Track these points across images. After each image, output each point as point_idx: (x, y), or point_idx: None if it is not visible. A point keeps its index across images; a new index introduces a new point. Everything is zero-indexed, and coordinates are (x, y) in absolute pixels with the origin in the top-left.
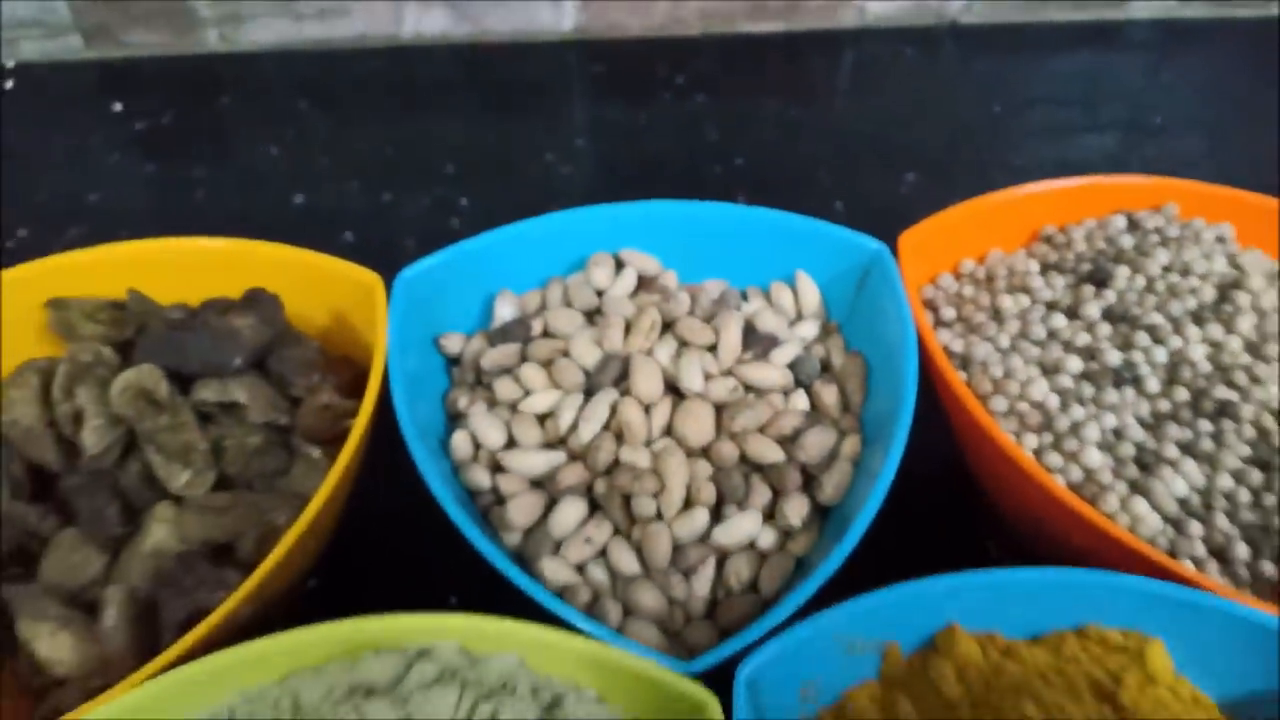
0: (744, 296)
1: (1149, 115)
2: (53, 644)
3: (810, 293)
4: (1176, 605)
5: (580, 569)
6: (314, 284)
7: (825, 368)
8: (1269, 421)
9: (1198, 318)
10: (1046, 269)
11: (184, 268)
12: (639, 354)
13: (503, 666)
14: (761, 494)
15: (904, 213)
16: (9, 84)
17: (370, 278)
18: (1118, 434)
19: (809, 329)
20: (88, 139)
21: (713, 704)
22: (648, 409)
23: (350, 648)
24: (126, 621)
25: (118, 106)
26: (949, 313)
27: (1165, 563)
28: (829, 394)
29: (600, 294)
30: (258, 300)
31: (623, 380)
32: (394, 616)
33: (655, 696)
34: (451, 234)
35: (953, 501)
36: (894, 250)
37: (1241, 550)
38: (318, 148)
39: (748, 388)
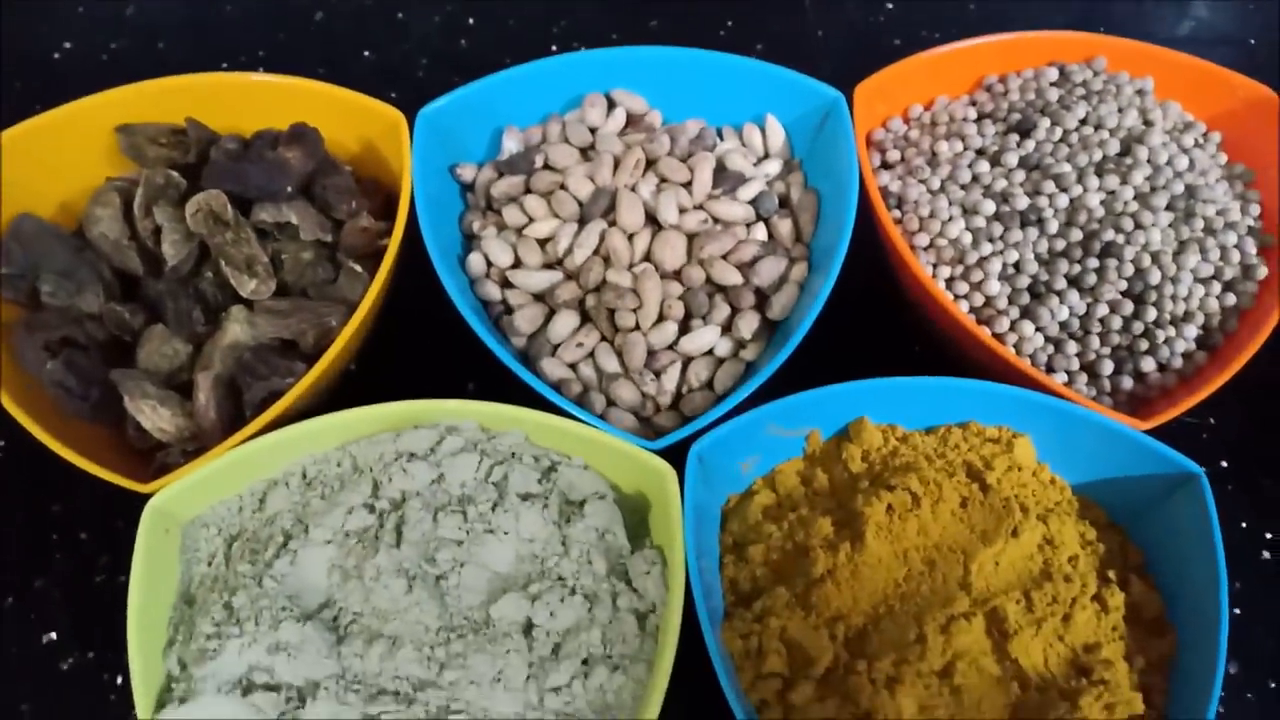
0: (719, 134)
1: None
2: (155, 416)
3: (776, 134)
4: (1044, 410)
5: (573, 367)
6: (347, 117)
7: (784, 202)
8: (1146, 262)
9: (1100, 169)
10: (982, 117)
11: (234, 99)
12: (624, 189)
13: (512, 440)
14: (721, 311)
15: (878, 40)
16: None
17: (395, 114)
18: (1017, 267)
19: (773, 166)
20: None
21: (670, 473)
22: (631, 237)
23: (395, 424)
24: (215, 402)
25: None
26: (894, 155)
27: (1040, 378)
28: (784, 227)
29: (594, 131)
30: (302, 134)
31: (610, 212)
32: (431, 401)
33: (628, 467)
34: (460, 54)
35: (888, 316)
36: (850, 98)
37: (1107, 367)
38: None
39: (715, 220)
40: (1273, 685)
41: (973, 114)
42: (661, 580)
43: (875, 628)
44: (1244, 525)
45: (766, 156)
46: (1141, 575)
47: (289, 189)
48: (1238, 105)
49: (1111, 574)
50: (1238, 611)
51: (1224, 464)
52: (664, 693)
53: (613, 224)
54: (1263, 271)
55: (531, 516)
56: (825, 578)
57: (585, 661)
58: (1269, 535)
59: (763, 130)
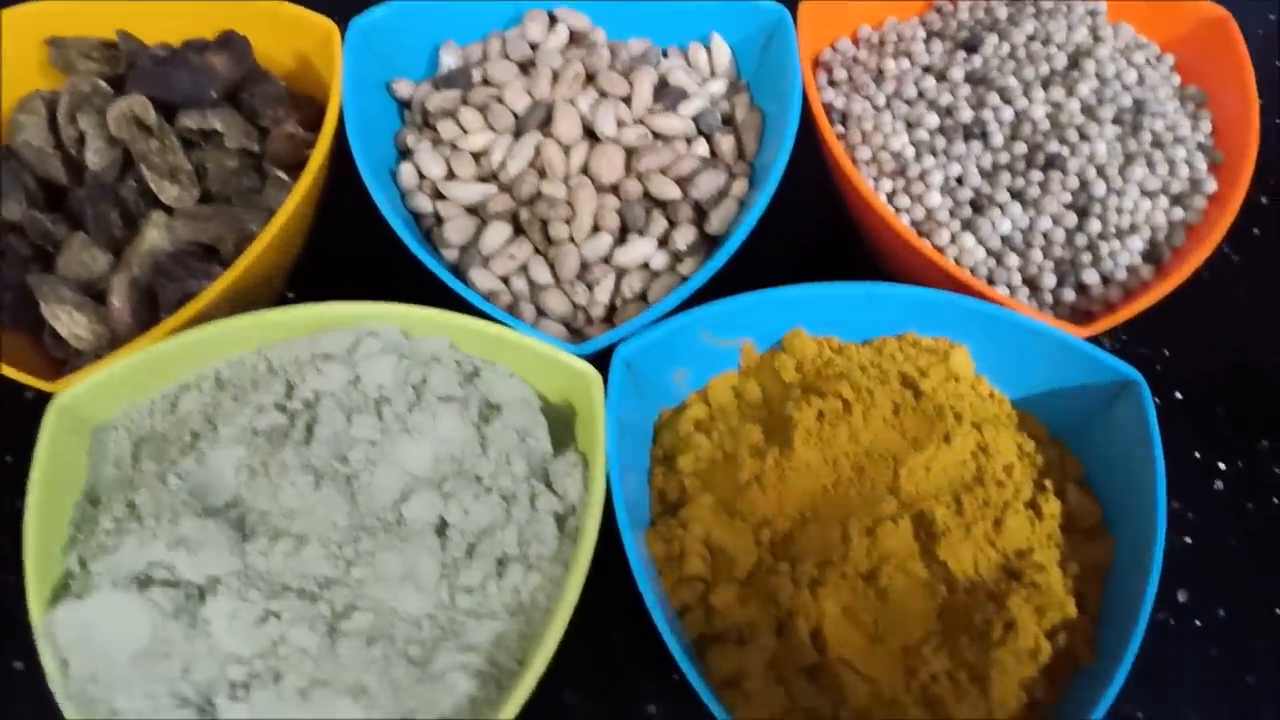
0: (665, 54)
1: None
2: (71, 322)
3: (722, 53)
4: (983, 318)
5: (505, 280)
6: (279, 29)
7: (728, 121)
8: (1091, 174)
9: (1046, 82)
10: (931, 36)
11: (166, 13)
12: (562, 101)
13: (434, 346)
14: (659, 225)
15: None
16: None
17: (327, 25)
18: (959, 181)
19: (718, 85)
20: None
21: (595, 377)
22: (567, 150)
23: (314, 327)
24: (129, 303)
25: None
26: (840, 74)
27: (980, 287)
28: (726, 143)
29: (534, 47)
30: (230, 41)
31: (547, 125)
32: (347, 303)
33: (554, 373)
34: None
35: (833, 234)
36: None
37: (1049, 280)
38: None
39: (656, 135)
40: (1222, 614)
41: (922, 33)
42: (582, 482)
43: (801, 531)
44: (1197, 455)
45: (712, 76)
46: (1080, 486)
47: (214, 95)
48: (1191, 28)
49: (1048, 483)
50: (1189, 540)
51: (1178, 395)
52: (579, 592)
53: (548, 136)
54: (1211, 186)
55: (450, 418)
56: (752, 483)
57: (500, 561)
58: (1222, 465)
59: (708, 50)
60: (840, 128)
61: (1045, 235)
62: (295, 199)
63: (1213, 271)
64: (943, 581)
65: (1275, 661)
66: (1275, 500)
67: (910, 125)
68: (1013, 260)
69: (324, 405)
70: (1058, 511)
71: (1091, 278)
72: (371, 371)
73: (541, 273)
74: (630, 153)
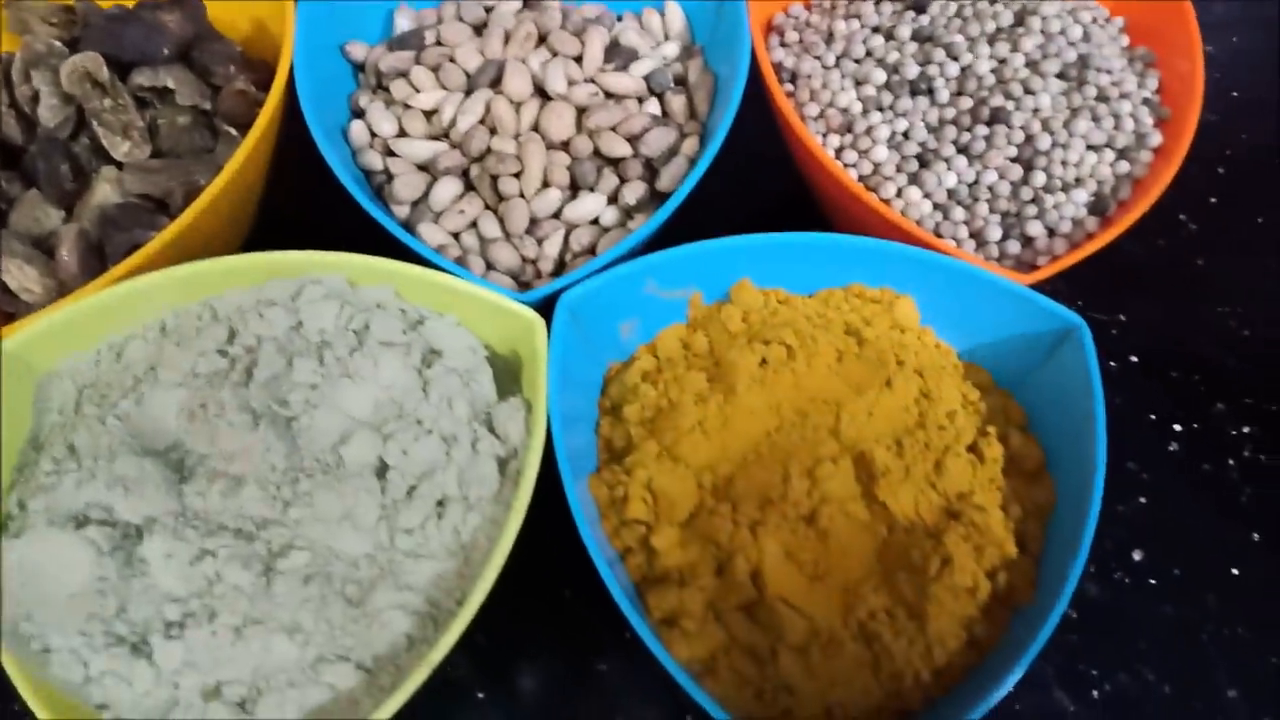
0: (619, 19)
1: None
2: (21, 275)
3: (675, 16)
4: (928, 267)
5: (455, 236)
6: None
7: (681, 82)
8: (1036, 128)
9: (991, 39)
10: None
11: None
12: (513, 60)
13: (379, 294)
14: (609, 181)
15: None
16: None
17: None
18: (906, 135)
19: (671, 49)
20: None
21: (539, 323)
22: (518, 107)
23: (261, 275)
24: (78, 255)
25: None
26: (792, 36)
27: (926, 238)
28: (678, 102)
29: (489, 11)
30: (183, 1)
31: (499, 83)
32: (292, 252)
33: (500, 323)
34: None
35: (782, 192)
36: None
37: (994, 232)
38: None
39: (607, 94)
40: (1177, 572)
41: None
42: (524, 426)
43: (742, 474)
44: (1152, 417)
45: (666, 40)
46: (1023, 431)
47: (166, 52)
48: None
49: (991, 429)
50: (1144, 501)
51: (1133, 359)
52: (517, 530)
53: (499, 93)
54: (1157, 139)
55: (391, 362)
56: (694, 428)
57: (440, 503)
58: (1177, 427)
59: (662, 15)
60: (790, 86)
61: (990, 189)
62: (244, 152)
63: (1169, 239)
64: (883, 523)
65: (1229, 619)
66: (1231, 462)
67: (858, 83)
68: (958, 214)
69: (265, 349)
70: (999, 455)
71: (1036, 229)
72: (314, 317)
73: (491, 228)
74: (581, 111)
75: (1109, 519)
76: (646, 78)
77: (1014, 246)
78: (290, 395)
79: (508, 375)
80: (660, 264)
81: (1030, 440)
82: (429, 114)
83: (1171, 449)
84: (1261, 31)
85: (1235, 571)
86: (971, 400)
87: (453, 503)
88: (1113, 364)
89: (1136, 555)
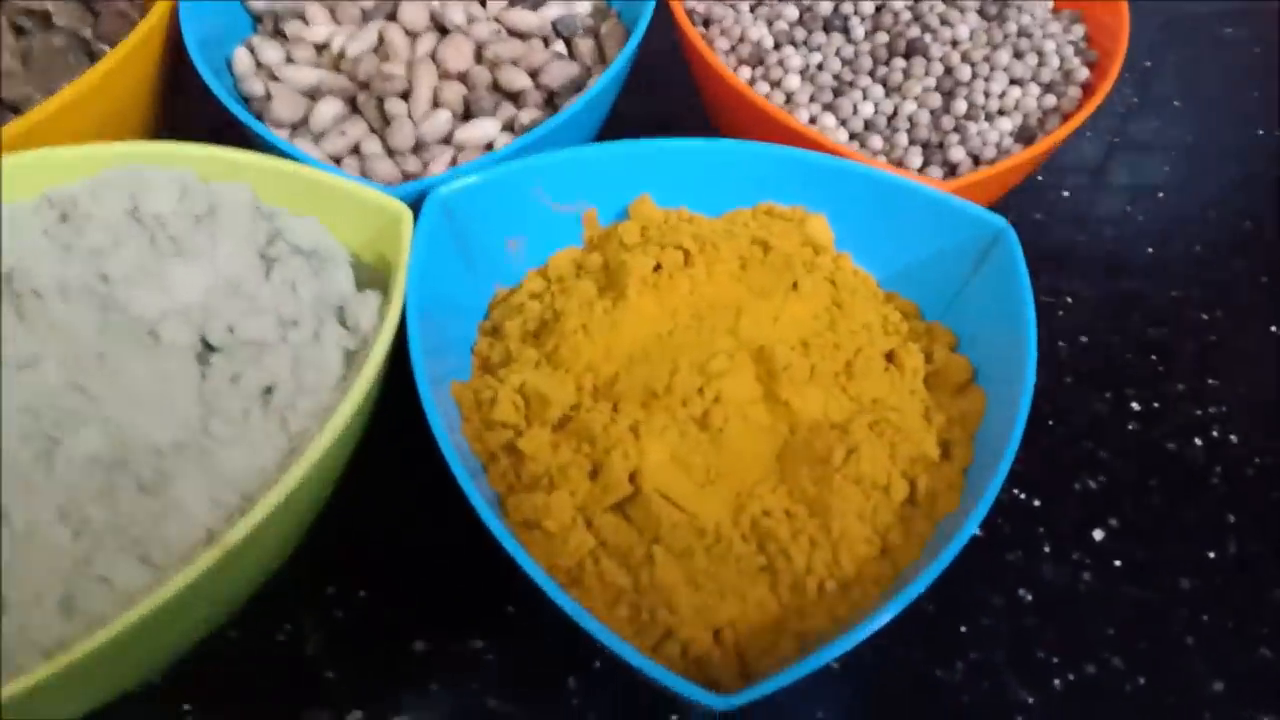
0: None
1: None
2: None
3: None
4: (842, 178)
5: (336, 161)
6: None
7: (593, 34)
8: (955, 59)
9: None
10: None
11: None
12: None
13: (233, 193)
14: (506, 110)
15: None
16: None
17: None
18: (820, 68)
19: (583, 6)
20: None
21: (405, 213)
22: (413, 38)
23: (92, 168)
24: None
25: None
26: None
27: (841, 149)
28: (585, 45)
29: None
30: None
31: (395, 17)
32: (137, 143)
33: (363, 220)
34: None
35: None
36: None
37: (915, 159)
38: None
39: (510, 32)
40: (1143, 555)
41: None
42: (377, 315)
43: (627, 373)
44: (1107, 395)
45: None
46: (950, 350)
47: None
48: None
49: (912, 345)
50: (1103, 479)
51: (1083, 339)
52: (349, 416)
53: (394, 23)
54: (1084, 74)
55: (231, 243)
56: (577, 330)
57: (269, 390)
58: (1135, 406)
59: None
60: (701, 28)
61: (910, 118)
62: (108, 61)
63: (1116, 227)
64: (785, 424)
65: (1206, 605)
66: (1198, 441)
67: (770, 22)
68: (876, 142)
69: (90, 226)
70: (920, 366)
71: (959, 155)
72: (151, 200)
73: (373, 147)
74: (481, 47)
75: (1064, 498)
76: (554, 23)
77: (936, 173)
78: (111, 269)
79: (375, 285)
80: (549, 167)
81: (957, 356)
82: (320, 48)
83: (1131, 428)
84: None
85: (1211, 555)
86: (892, 321)
87: (282, 389)
88: (1061, 343)
89: (1097, 535)
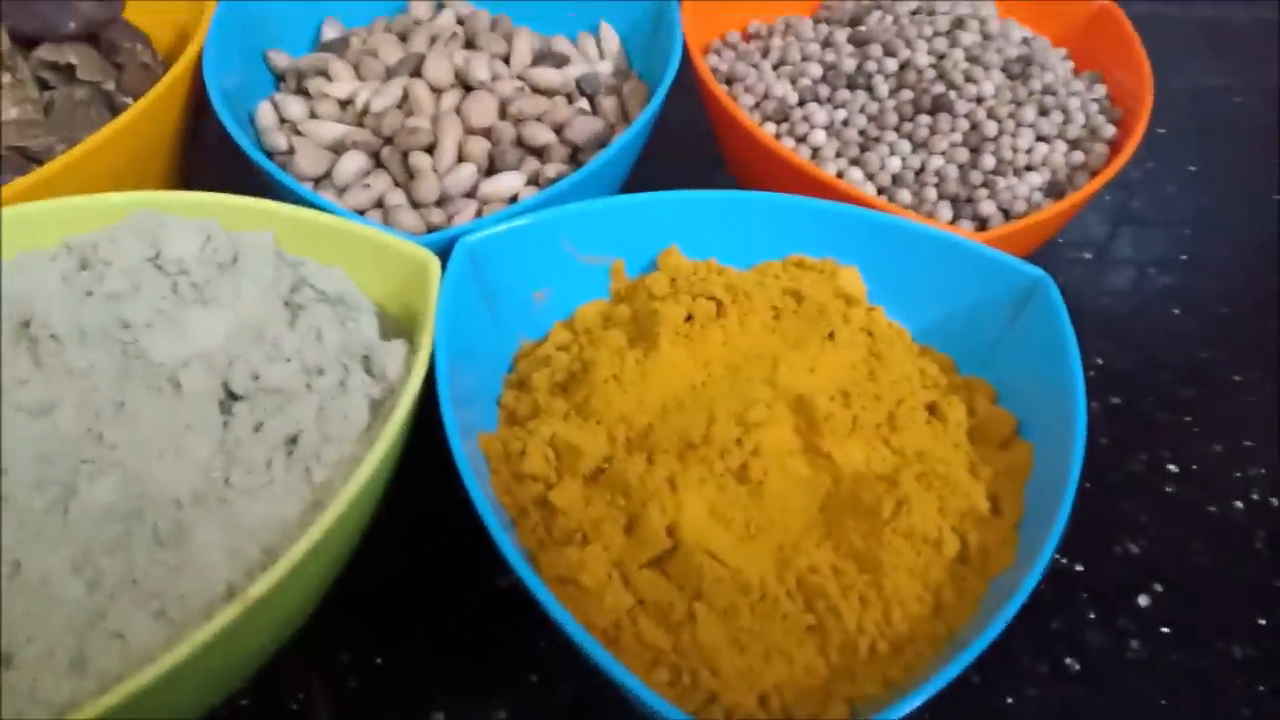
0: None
1: None
2: None
3: (611, 40)
4: (874, 231)
5: (360, 214)
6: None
7: (614, 92)
8: (981, 115)
9: (930, 40)
10: (818, 21)
11: None
12: (436, 50)
13: (255, 241)
14: (531, 165)
15: None
16: None
17: None
18: (845, 124)
19: (605, 67)
20: None
21: (433, 261)
22: (438, 94)
23: (114, 216)
24: None
25: None
26: (728, 54)
27: (871, 200)
28: (609, 103)
29: (419, 23)
30: None
31: (419, 74)
32: (165, 193)
33: (390, 270)
34: None
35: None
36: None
37: (945, 214)
38: None
39: (534, 89)
40: (1193, 622)
41: (809, 21)
42: (404, 364)
43: (661, 423)
44: (1143, 458)
45: (602, 59)
46: (991, 402)
47: (71, 25)
48: (1082, 21)
49: (954, 397)
50: (1145, 542)
51: (1115, 400)
52: (375, 467)
53: (418, 78)
54: (1110, 130)
55: (255, 290)
56: (609, 380)
57: (292, 440)
58: (1172, 468)
59: (597, 39)
60: (724, 86)
61: (938, 173)
62: (131, 114)
63: (1139, 289)
64: (828, 477)
65: (1251, 669)
66: (1238, 505)
67: (793, 80)
68: (904, 196)
69: (111, 270)
70: (963, 418)
71: (989, 209)
72: (173, 246)
73: (397, 199)
74: (505, 103)
75: (1105, 561)
76: (578, 80)
77: (967, 226)
78: (131, 315)
79: (401, 336)
80: (577, 217)
81: (999, 409)
82: (344, 104)
83: (1169, 490)
84: None
85: (1262, 621)
86: (930, 374)
87: (306, 439)
88: (1094, 403)
89: (1142, 600)
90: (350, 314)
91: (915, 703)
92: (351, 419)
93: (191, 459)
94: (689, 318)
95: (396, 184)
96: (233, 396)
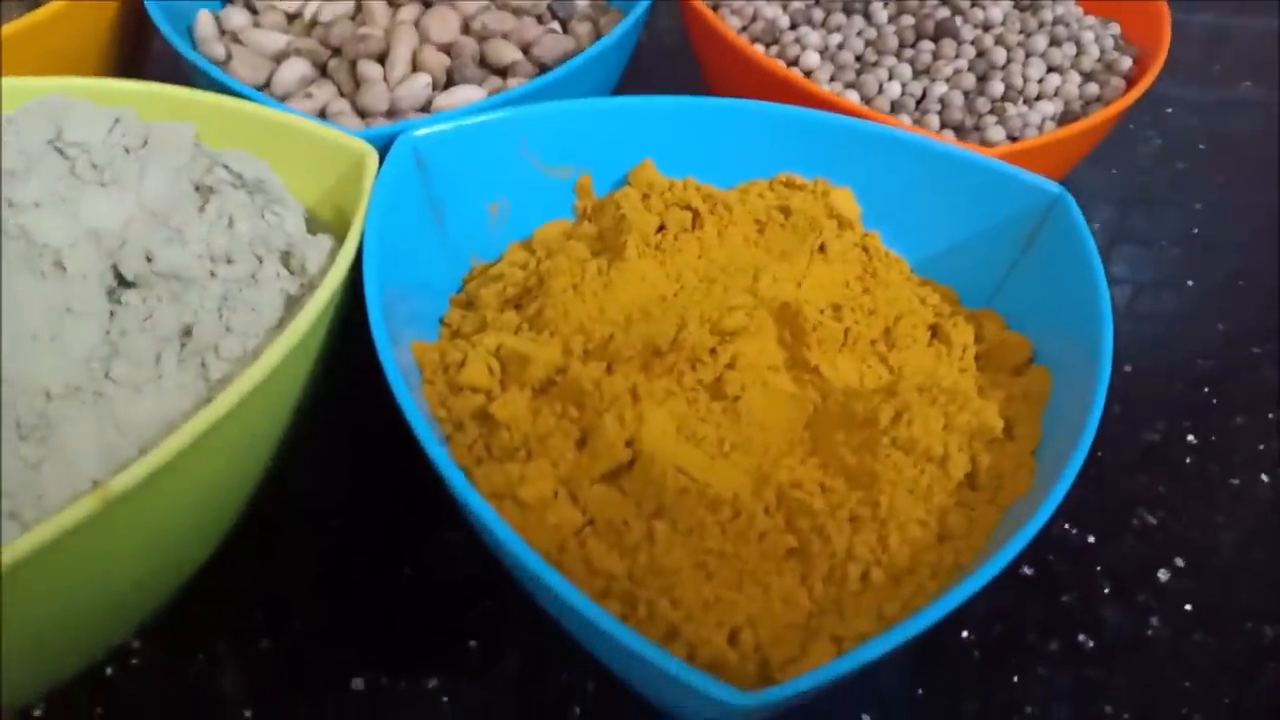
0: None
1: None
2: None
3: None
4: (874, 145)
5: None
6: None
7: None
8: (988, 42)
9: None
10: None
11: None
12: None
13: (175, 132)
14: (493, 83)
15: None
16: None
17: None
18: (840, 47)
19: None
20: None
21: (370, 153)
22: (396, 9)
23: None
24: None
25: None
26: None
27: (871, 114)
28: (583, 28)
29: None
30: None
31: None
32: (68, 78)
33: (325, 164)
34: None
35: None
36: None
37: (950, 140)
38: None
39: (502, 8)
40: (1217, 599)
41: None
42: (328, 261)
43: (624, 333)
44: (1160, 426)
45: None
46: (1002, 327)
47: None
48: None
49: (960, 319)
50: (1163, 514)
51: (1127, 368)
52: (277, 366)
53: None
54: (1126, 63)
55: (162, 174)
56: (567, 289)
57: (187, 331)
58: (1191, 439)
59: None
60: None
61: (941, 99)
62: (50, 9)
63: (1151, 259)
64: (816, 392)
65: (1278, 650)
66: (1264, 478)
67: (784, 4)
68: (905, 120)
69: (4, 152)
70: (969, 342)
71: (997, 135)
72: (77, 129)
73: (343, 107)
74: (469, 19)
75: (1121, 534)
76: (550, 4)
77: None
78: (16, 195)
79: (330, 230)
80: (538, 120)
81: (1013, 333)
82: (291, 17)
83: (1188, 461)
84: None
85: None
86: (932, 302)
87: (202, 330)
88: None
89: (1163, 575)
90: (271, 205)
91: (911, 632)
92: (261, 312)
93: (69, 348)
94: (661, 228)
95: (342, 94)
96: (125, 284)
